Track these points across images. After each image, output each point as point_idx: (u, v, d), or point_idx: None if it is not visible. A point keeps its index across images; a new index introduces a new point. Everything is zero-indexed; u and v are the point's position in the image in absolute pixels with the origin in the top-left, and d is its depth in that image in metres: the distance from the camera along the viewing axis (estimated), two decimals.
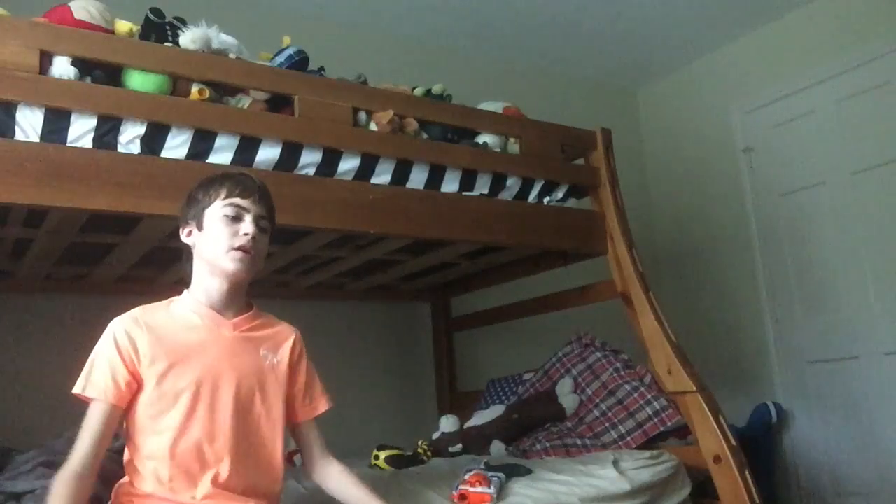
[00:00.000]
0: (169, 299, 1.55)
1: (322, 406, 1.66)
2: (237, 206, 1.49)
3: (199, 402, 1.42)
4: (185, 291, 1.55)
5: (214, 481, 1.40)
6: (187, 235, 1.52)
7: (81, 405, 1.41)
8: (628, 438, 2.34)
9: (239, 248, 1.46)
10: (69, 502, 1.28)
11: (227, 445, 1.43)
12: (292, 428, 1.63)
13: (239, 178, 1.53)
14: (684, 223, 4.07)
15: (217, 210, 1.48)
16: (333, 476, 1.61)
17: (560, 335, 2.90)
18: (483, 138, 2.36)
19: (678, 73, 4.15)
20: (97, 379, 1.39)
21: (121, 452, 1.50)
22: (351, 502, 1.57)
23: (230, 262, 1.47)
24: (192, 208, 1.51)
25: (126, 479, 1.44)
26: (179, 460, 1.39)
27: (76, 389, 1.39)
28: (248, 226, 1.48)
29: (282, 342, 1.58)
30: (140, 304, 1.53)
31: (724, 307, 3.82)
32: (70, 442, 1.39)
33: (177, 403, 1.41)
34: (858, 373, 3.24)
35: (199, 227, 1.49)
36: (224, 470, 1.41)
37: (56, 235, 2.00)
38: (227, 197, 1.49)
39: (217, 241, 1.47)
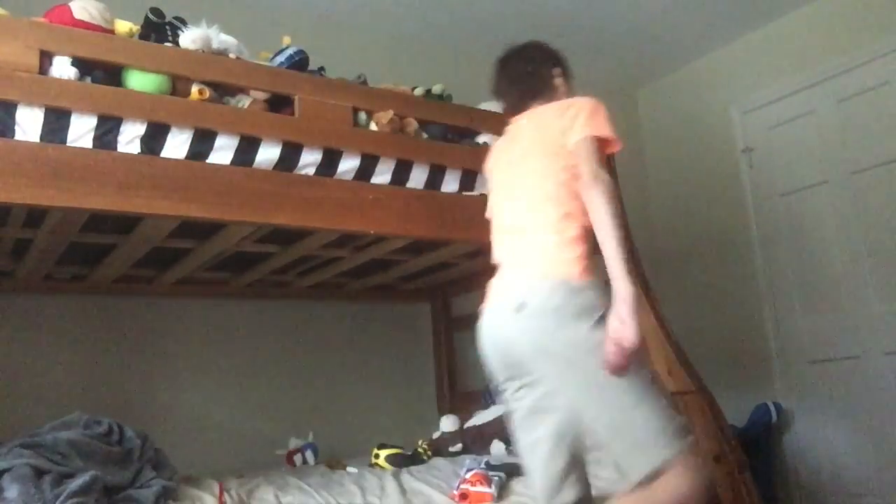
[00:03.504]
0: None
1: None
2: None
3: None
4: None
5: None
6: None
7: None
8: None
9: None
10: None
11: None
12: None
13: None
14: (684, 223, 4.07)
15: None
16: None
17: None
18: (483, 138, 2.36)
19: (678, 73, 4.15)
20: None
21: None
22: None
23: None
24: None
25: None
26: None
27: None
28: None
29: None
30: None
31: (724, 307, 3.81)
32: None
33: None
34: (859, 372, 3.24)
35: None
36: None
37: (56, 235, 2.00)
38: None
39: None
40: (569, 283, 1.45)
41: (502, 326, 1.53)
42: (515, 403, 1.61)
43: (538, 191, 1.56)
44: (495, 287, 1.61)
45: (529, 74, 1.78)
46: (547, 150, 1.56)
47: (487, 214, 1.82)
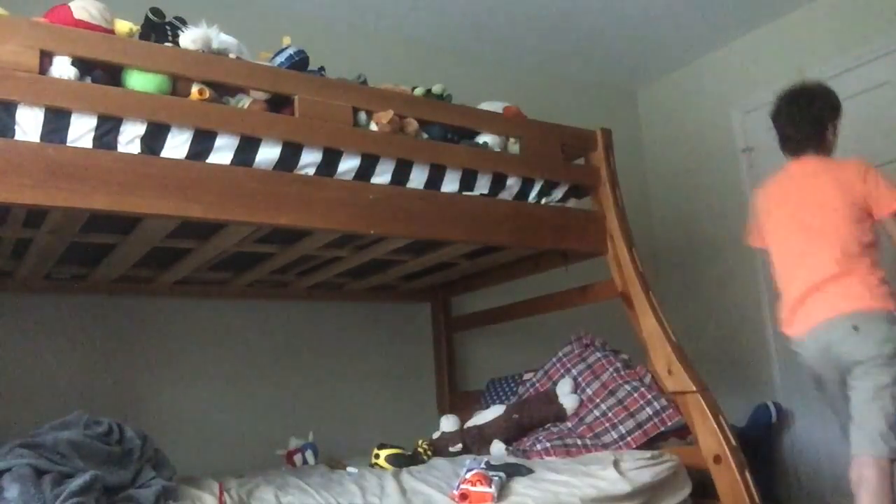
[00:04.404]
0: None
1: None
2: None
3: None
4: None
5: None
6: None
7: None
8: (629, 439, 2.34)
9: None
10: None
11: None
12: None
13: None
14: (684, 223, 4.07)
15: None
16: None
17: (560, 335, 2.90)
18: (483, 138, 2.36)
19: (678, 73, 4.15)
20: None
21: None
22: None
23: None
24: None
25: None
26: None
27: None
28: None
29: None
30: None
31: (725, 307, 3.81)
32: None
33: None
34: None
35: None
36: None
37: (56, 235, 2.00)
38: None
39: None
40: (892, 314, 2.02)
41: (838, 342, 2.08)
42: (830, 390, 2.20)
43: (849, 241, 2.10)
44: (816, 310, 2.15)
45: (816, 131, 2.30)
46: (854, 207, 2.12)
47: (754, 237, 2.50)
